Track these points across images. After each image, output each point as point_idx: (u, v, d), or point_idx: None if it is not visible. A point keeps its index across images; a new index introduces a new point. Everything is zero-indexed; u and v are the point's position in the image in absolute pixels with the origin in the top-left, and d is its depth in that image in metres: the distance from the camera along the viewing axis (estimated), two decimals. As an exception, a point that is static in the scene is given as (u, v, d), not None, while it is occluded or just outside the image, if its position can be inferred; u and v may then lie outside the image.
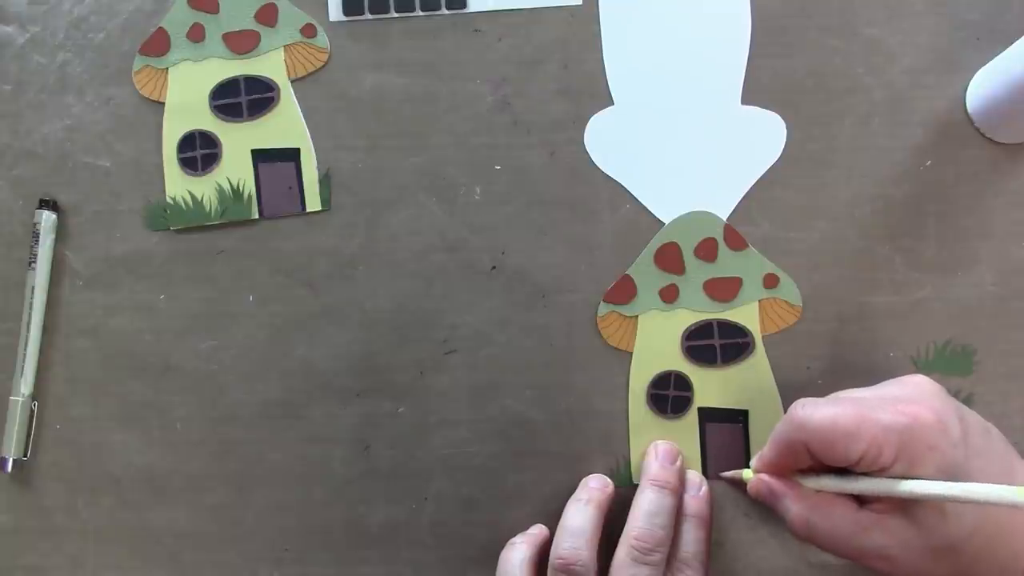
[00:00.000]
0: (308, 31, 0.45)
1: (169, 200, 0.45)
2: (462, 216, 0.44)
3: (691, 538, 0.39)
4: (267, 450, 0.44)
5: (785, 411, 0.40)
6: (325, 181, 0.44)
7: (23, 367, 0.44)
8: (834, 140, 0.43)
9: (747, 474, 0.40)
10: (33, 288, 0.44)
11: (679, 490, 0.41)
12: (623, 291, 0.43)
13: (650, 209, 0.44)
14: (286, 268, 0.44)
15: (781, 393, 0.43)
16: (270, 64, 0.45)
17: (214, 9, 0.45)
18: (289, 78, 0.45)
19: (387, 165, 0.44)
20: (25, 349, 0.44)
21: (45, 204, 0.44)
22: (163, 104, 0.45)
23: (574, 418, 0.43)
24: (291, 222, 0.44)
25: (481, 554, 0.43)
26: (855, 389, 0.38)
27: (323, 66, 0.45)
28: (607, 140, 0.44)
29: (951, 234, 0.43)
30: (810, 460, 0.36)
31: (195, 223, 0.44)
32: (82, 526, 0.44)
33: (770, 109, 0.43)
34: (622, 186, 0.44)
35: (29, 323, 0.44)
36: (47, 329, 0.44)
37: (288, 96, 0.45)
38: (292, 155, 0.45)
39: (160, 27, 0.45)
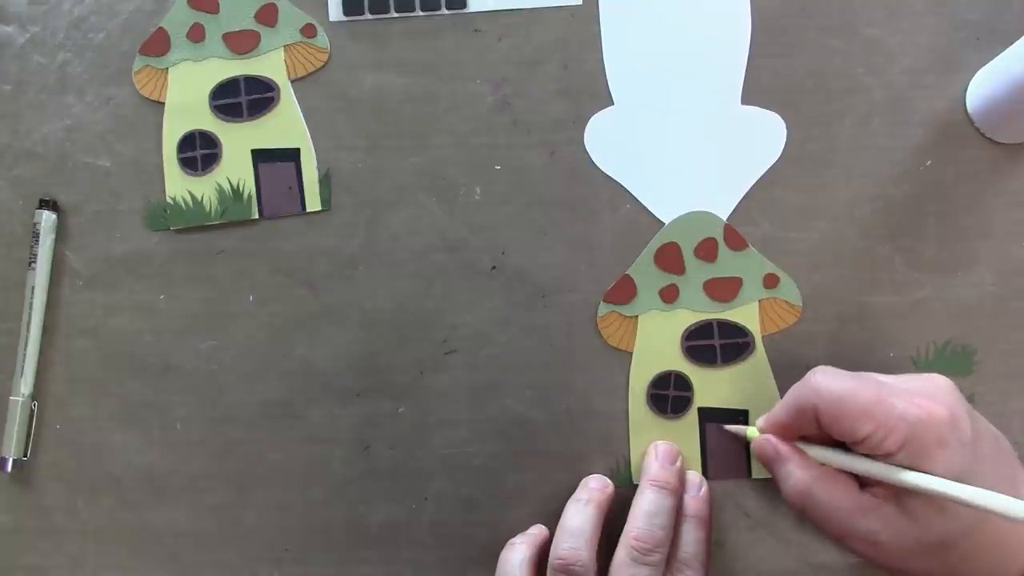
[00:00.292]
0: (308, 31, 0.45)
1: (169, 200, 0.45)
2: (462, 216, 0.44)
3: (691, 538, 0.39)
4: (267, 450, 0.44)
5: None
6: (325, 181, 0.44)
7: (23, 367, 0.44)
8: (834, 140, 0.43)
9: (751, 432, 0.40)
10: (33, 288, 0.44)
11: (679, 490, 0.41)
12: (623, 291, 0.43)
13: (650, 209, 0.44)
14: (286, 268, 0.44)
15: (781, 393, 0.43)
16: (270, 64, 0.45)
17: (214, 9, 0.45)
18: (289, 78, 0.45)
19: (387, 165, 0.44)
20: (25, 349, 0.44)
21: (45, 204, 0.44)
22: (163, 104, 0.45)
23: (574, 418, 0.43)
24: (291, 222, 0.44)
25: (481, 554, 0.43)
26: (878, 374, 0.37)
27: (323, 66, 0.45)
28: (607, 140, 0.44)
29: (951, 234, 0.43)
30: (816, 429, 0.36)
31: (195, 223, 0.45)
32: (82, 526, 0.44)
33: (770, 109, 0.43)
34: (622, 186, 0.44)
35: (29, 323, 0.44)
36: (47, 329, 0.44)
37: (288, 96, 0.45)
38: (292, 155, 0.45)
39: (160, 27, 0.45)
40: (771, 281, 0.43)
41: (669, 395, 0.43)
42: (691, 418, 0.43)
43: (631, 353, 0.43)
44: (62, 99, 0.45)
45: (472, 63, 0.44)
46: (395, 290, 0.44)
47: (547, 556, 0.39)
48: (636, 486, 0.41)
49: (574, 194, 0.44)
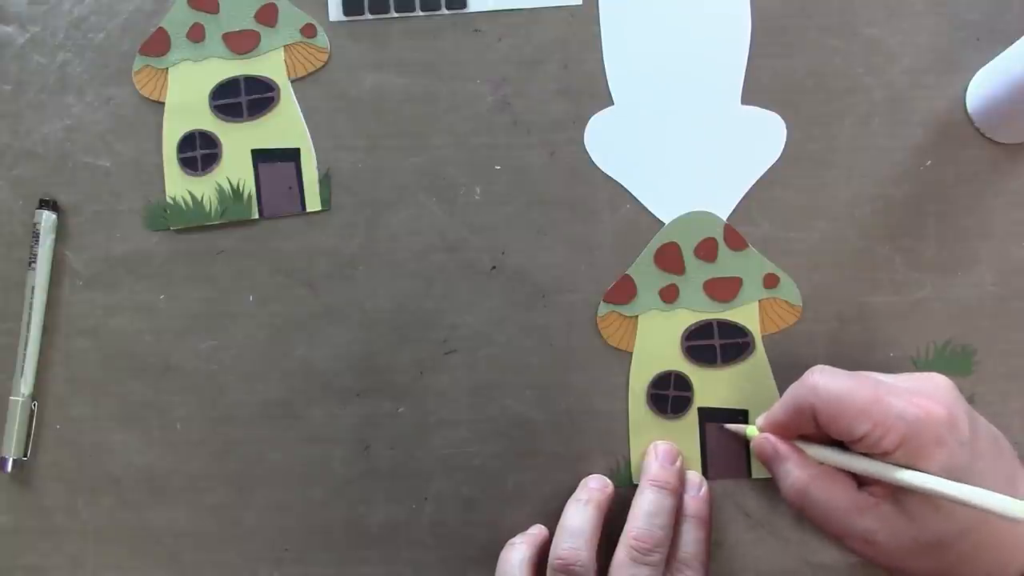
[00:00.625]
0: (308, 31, 0.45)
1: (169, 200, 0.45)
2: (462, 216, 0.44)
3: (691, 538, 0.39)
4: (267, 450, 0.44)
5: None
6: (325, 181, 0.44)
7: (23, 367, 0.44)
8: (834, 140, 0.43)
9: (751, 431, 0.40)
10: (33, 288, 0.44)
11: (679, 490, 0.41)
12: (623, 291, 0.43)
13: (650, 209, 0.44)
14: (286, 268, 0.44)
15: (781, 393, 0.42)
16: (270, 64, 0.45)
17: (214, 9, 0.45)
18: (289, 78, 0.45)
19: (387, 165, 0.44)
20: (25, 349, 0.44)
21: (45, 204, 0.44)
22: (163, 104, 0.45)
23: (574, 418, 0.43)
24: (291, 222, 0.44)
25: (481, 554, 0.43)
26: (876, 372, 0.38)
27: (323, 66, 0.45)
28: (607, 140, 0.44)
29: (951, 234, 0.43)
30: (814, 428, 0.36)
31: (195, 223, 0.45)
32: (82, 526, 0.44)
33: (770, 109, 0.43)
34: (622, 186, 0.44)
35: (29, 323, 0.44)
36: (47, 329, 0.44)
37: (288, 96, 0.45)
38: (292, 155, 0.45)
39: (160, 27, 0.45)
40: (771, 281, 0.43)
41: (669, 395, 0.43)
42: (691, 418, 0.43)
43: (631, 353, 0.43)
44: (62, 99, 0.45)
45: (472, 63, 0.44)
46: (395, 290, 0.44)
47: (547, 556, 0.39)
48: (636, 486, 0.41)
49: (574, 194, 0.44)
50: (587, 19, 0.44)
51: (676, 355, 0.43)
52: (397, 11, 0.45)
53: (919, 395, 0.34)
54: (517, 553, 0.40)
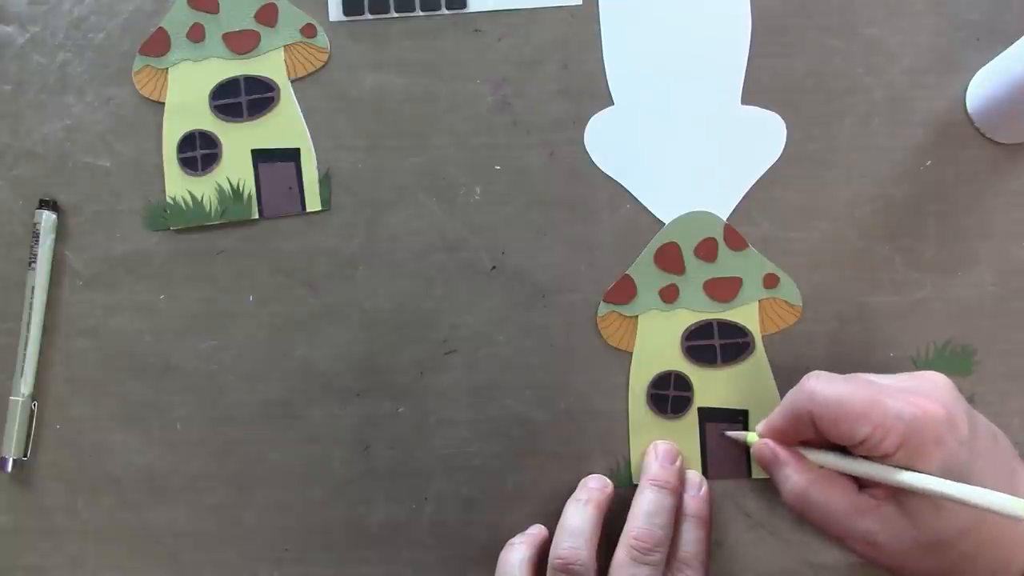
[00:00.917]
0: (308, 31, 0.45)
1: (169, 200, 0.45)
2: (462, 216, 0.44)
3: (691, 538, 0.39)
4: (267, 450, 0.44)
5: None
6: (325, 181, 0.44)
7: (23, 367, 0.44)
8: (834, 140, 0.43)
9: (751, 437, 0.40)
10: (33, 288, 0.44)
11: (679, 490, 0.41)
12: (623, 291, 0.43)
13: (650, 209, 0.44)
14: (286, 268, 0.44)
15: (781, 393, 0.43)
16: (270, 64, 0.45)
17: (214, 9, 0.45)
18: (289, 78, 0.45)
19: (387, 165, 0.44)
20: (25, 349, 0.44)
21: (45, 204, 0.44)
22: (163, 104, 0.45)
23: (574, 418, 0.43)
24: (291, 222, 0.44)
25: (481, 554, 0.43)
26: (871, 374, 0.38)
27: (323, 66, 0.45)
28: (607, 140, 0.44)
29: (951, 234, 0.43)
30: (814, 433, 0.36)
31: (195, 223, 0.45)
32: (82, 526, 0.44)
33: (770, 109, 0.43)
34: (622, 186, 0.44)
35: (29, 323, 0.44)
36: (47, 329, 0.44)
37: (288, 96, 0.45)
38: (292, 155, 0.45)
39: (160, 27, 0.45)
40: (771, 281, 0.43)
41: (669, 395, 0.43)
42: (691, 418, 0.43)
43: (631, 353, 0.43)
44: (62, 99, 0.45)
45: (472, 63, 0.44)
46: (395, 290, 0.44)
47: (547, 556, 0.39)
48: (636, 486, 0.41)
49: (574, 194, 0.44)
50: (587, 19, 0.44)
51: (676, 355, 0.43)
52: (397, 11, 0.45)
53: (917, 395, 0.34)
54: (517, 553, 0.40)
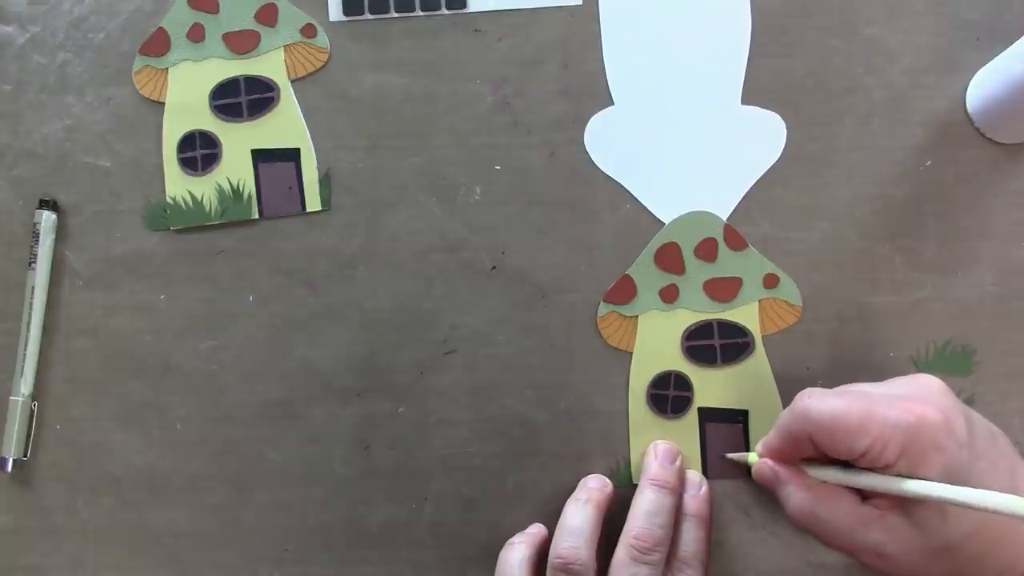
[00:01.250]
0: (308, 31, 0.45)
1: (169, 200, 0.45)
2: (462, 216, 0.44)
3: (691, 538, 0.39)
4: (267, 450, 0.44)
5: (784, 412, 0.40)
6: (325, 181, 0.44)
7: (23, 367, 0.44)
8: (834, 140, 0.43)
9: (752, 457, 0.40)
10: (33, 288, 0.44)
11: (678, 490, 0.41)
12: (623, 291, 0.43)
13: (650, 209, 0.44)
14: (286, 268, 0.44)
15: (781, 393, 0.43)
16: (270, 64, 0.45)
17: (214, 9, 0.45)
18: (289, 78, 0.45)
19: (387, 165, 0.44)
20: (25, 349, 0.44)
21: (45, 204, 0.44)
22: (163, 104, 0.45)
23: (574, 418, 0.43)
24: (291, 222, 0.44)
25: (481, 554, 0.43)
26: (862, 384, 0.38)
27: (323, 66, 0.45)
28: (607, 140, 0.44)
29: (951, 234, 0.43)
30: (814, 450, 0.36)
31: (195, 223, 0.45)
32: (82, 526, 0.44)
33: (770, 109, 0.43)
34: (622, 186, 0.44)
35: (29, 323, 0.44)
36: (47, 329, 0.44)
37: (288, 96, 0.45)
38: (292, 155, 0.45)
39: (160, 27, 0.45)
40: (771, 281, 0.43)
41: (669, 395, 0.43)
42: (691, 418, 0.43)
43: (631, 353, 0.43)
44: (62, 99, 0.45)
45: (472, 63, 0.44)
46: (395, 290, 0.44)
47: (547, 555, 0.39)
48: (636, 486, 0.41)
49: (574, 194, 0.44)
50: (587, 19, 0.44)
51: (676, 355, 0.43)
52: (397, 11, 0.45)
53: (912, 401, 0.34)
54: (517, 553, 0.40)
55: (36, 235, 0.44)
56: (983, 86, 0.42)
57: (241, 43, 0.45)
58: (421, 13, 0.44)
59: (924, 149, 0.43)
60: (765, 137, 0.43)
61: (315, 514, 0.44)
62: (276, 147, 0.45)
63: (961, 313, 0.43)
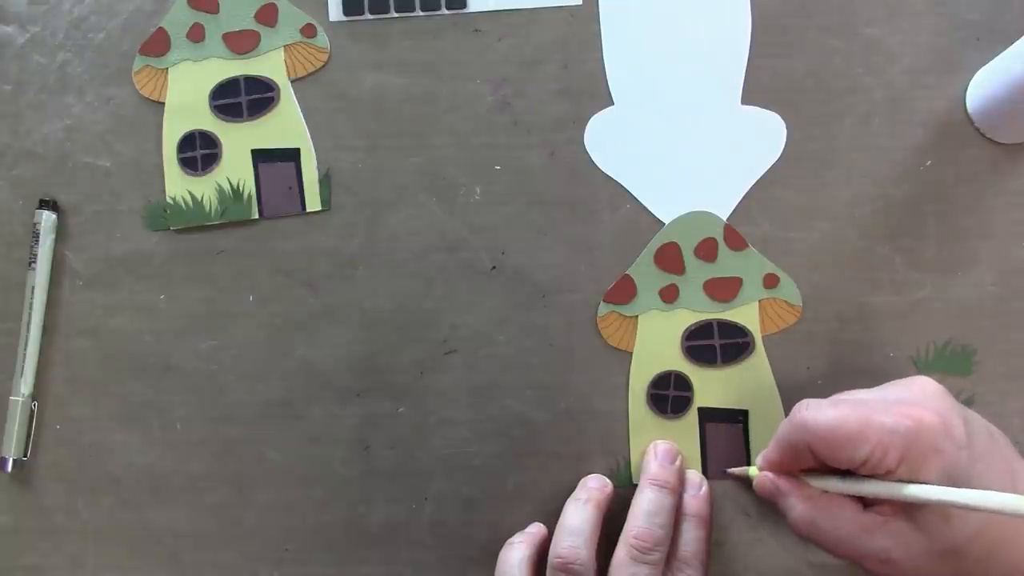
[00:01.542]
0: (308, 31, 0.45)
1: (169, 200, 0.45)
2: (462, 216, 0.44)
3: (691, 537, 0.39)
4: (267, 450, 0.44)
5: (785, 411, 0.40)
6: (325, 181, 0.44)
7: (23, 367, 0.44)
8: (834, 140, 0.43)
9: (752, 471, 0.40)
10: (33, 288, 0.44)
11: (678, 490, 0.41)
12: (623, 291, 0.43)
13: (650, 209, 0.44)
14: (286, 268, 0.44)
15: (781, 393, 0.43)
16: (270, 64, 0.45)
17: (214, 9, 0.45)
18: (289, 78, 0.45)
19: (387, 165, 0.44)
20: (25, 349, 0.44)
21: (45, 204, 0.44)
22: (163, 104, 0.45)
23: (574, 418, 0.43)
24: (291, 222, 0.44)
25: (481, 554, 0.43)
26: (858, 391, 0.38)
27: (323, 66, 0.45)
28: (607, 140, 0.44)
29: (951, 234, 0.43)
30: (813, 461, 0.36)
31: (195, 223, 0.45)
32: (82, 526, 0.44)
33: (770, 109, 0.43)
34: (622, 186, 0.44)
35: (29, 323, 0.44)
36: (47, 329, 0.44)
37: (288, 96, 0.45)
38: (292, 155, 0.45)
39: (160, 27, 0.45)
40: (771, 281, 0.43)
41: (669, 395, 0.43)
42: (691, 418, 0.43)
43: (631, 353, 0.43)
44: (62, 99, 0.45)
45: (472, 63, 0.44)
46: (395, 290, 0.44)
47: (546, 555, 0.39)
48: (636, 486, 0.41)
49: (574, 194, 0.44)
50: (587, 19, 0.44)
51: (676, 355, 0.43)
52: (397, 11, 0.45)
53: (908, 405, 0.34)
54: (516, 552, 0.40)
55: (36, 235, 0.44)
56: (983, 86, 0.42)
57: (241, 43, 0.45)
58: (421, 13, 0.45)
59: (924, 149, 0.43)
60: (765, 137, 0.43)
61: (315, 514, 0.44)
62: (276, 147, 0.45)
63: (961, 313, 0.43)
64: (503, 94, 0.44)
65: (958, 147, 0.43)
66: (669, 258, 0.43)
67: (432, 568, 0.43)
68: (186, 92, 0.45)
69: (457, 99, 0.44)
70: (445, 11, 0.44)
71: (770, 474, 0.38)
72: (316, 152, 0.44)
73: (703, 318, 0.43)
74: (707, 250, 0.43)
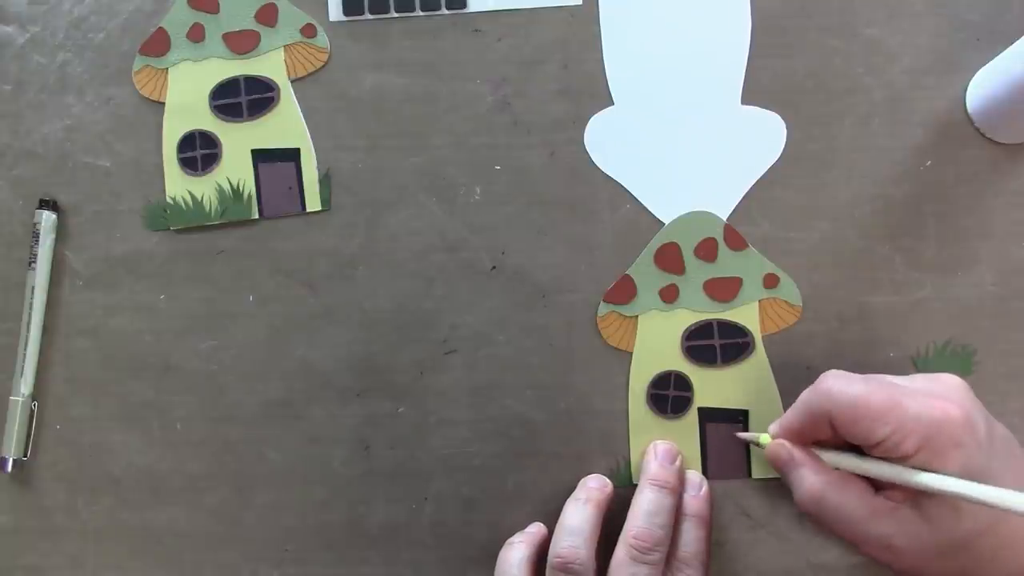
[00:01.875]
0: (308, 31, 0.45)
1: (169, 200, 0.45)
2: (462, 216, 0.44)
3: (691, 537, 0.39)
4: (267, 450, 0.44)
5: (785, 411, 0.40)
6: (325, 181, 0.44)
7: (23, 367, 0.44)
8: (834, 140, 0.43)
9: (764, 439, 0.40)
10: (33, 288, 0.44)
11: (678, 490, 0.41)
12: (623, 291, 0.43)
13: (650, 209, 0.44)
14: (286, 268, 0.44)
15: (781, 393, 0.43)
16: (270, 64, 0.45)
17: (214, 9, 0.45)
18: (289, 78, 0.45)
19: (387, 165, 0.44)
20: (25, 349, 0.44)
21: (45, 204, 0.44)
22: (163, 104, 0.45)
23: (574, 418, 0.43)
24: (291, 222, 0.44)
25: (481, 554, 0.43)
26: (888, 375, 0.37)
27: (323, 66, 0.45)
28: (607, 140, 0.44)
29: (951, 234, 0.43)
30: (829, 433, 0.36)
31: (195, 223, 0.45)
32: (82, 526, 0.44)
33: (770, 109, 0.43)
34: (622, 186, 0.44)
35: (29, 323, 0.44)
36: (47, 329, 0.44)
37: (288, 96, 0.45)
38: (292, 155, 0.45)
39: (160, 27, 0.45)
40: (771, 281, 0.43)
41: (669, 395, 0.43)
42: (691, 418, 0.43)
43: (631, 353, 0.43)
44: (62, 99, 0.45)
45: (472, 63, 0.44)
46: (395, 290, 0.44)
47: (546, 555, 0.39)
48: (636, 486, 0.41)
49: (574, 194, 0.44)
50: (587, 19, 0.44)
51: (676, 355, 0.43)
52: (397, 11, 0.45)
53: (935, 397, 0.34)
54: (516, 552, 0.40)
55: (36, 235, 0.44)
56: (983, 86, 0.42)
57: (241, 43, 0.45)
58: (421, 13, 0.45)
59: (924, 149, 0.43)
60: (765, 137, 0.43)
61: (315, 514, 0.44)
62: (276, 147, 0.45)
63: (961, 313, 0.43)
64: (503, 94, 0.44)
65: (958, 147, 0.43)
66: (669, 258, 0.43)
67: (432, 568, 0.43)
68: (186, 92, 0.45)
69: (457, 99, 0.44)
70: (445, 11, 0.44)
71: (787, 442, 0.38)
72: (316, 152, 0.44)
73: (703, 318, 0.43)
74: (707, 250, 0.43)
